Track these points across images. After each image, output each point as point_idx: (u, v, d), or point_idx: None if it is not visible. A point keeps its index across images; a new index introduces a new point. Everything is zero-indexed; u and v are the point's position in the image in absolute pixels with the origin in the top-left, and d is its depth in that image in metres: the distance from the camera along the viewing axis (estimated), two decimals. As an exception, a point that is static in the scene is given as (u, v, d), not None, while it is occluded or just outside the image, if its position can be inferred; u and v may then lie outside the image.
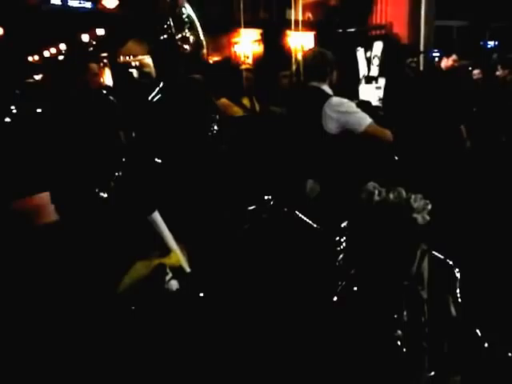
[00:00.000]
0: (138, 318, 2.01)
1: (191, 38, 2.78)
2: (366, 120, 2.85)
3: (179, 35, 2.74)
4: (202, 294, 2.12)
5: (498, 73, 5.46)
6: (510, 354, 2.31)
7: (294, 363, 2.12)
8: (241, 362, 2.11)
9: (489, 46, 9.86)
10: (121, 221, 2.37)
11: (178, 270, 2.13)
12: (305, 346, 2.15)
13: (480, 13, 8.94)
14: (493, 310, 2.49)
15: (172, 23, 2.71)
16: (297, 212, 2.49)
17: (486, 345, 2.27)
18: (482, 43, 9.75)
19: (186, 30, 2.77)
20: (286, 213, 2.52)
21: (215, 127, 2.93)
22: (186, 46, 2.78)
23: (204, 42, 2.83)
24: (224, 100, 4.49)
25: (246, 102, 4.80)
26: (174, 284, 2.06)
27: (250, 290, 2.27)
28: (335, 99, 2.91)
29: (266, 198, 2.56)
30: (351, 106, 2.91)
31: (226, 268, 2.32)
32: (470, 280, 2.37)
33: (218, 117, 2.99)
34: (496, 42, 9.94)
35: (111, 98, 3.87)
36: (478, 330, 2.30)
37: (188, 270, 2.18)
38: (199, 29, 2.83)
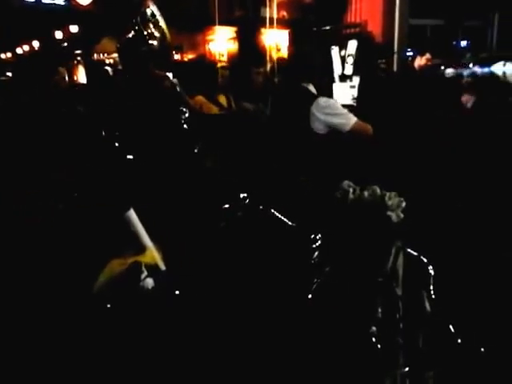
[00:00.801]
0: (114, 316, 1.98)
1: (158, 35, 2.77)
2: (352, 119, 2.93)
3: (146, 32, 2.73)
4: (177, 292, 2.10)
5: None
6: (482, 350, 2.34)
7: (269, 360, 2.12)
8: (216, 360, 2.10)
9: (461, 46, 10.01)
10: (95, 219, 2.34)
11: (153, 268, 2.11)
12: (280, 343, 2.15)
13: (453, 12, 9.06)
14: (466, 306, 2.53)
15: (139, 21, 2.69)
16: (272, 210, 2.48)
17: (460, 340, 2.30)
18: (454, 42, 9.88)
19: (152, 28, 2.76)
20: (262, 211, 2.52)
21: (186, 124, 2.92)
22: (153, 43, 2.77)
23: (169, 39, 2.82)
24: (200, 97, 4.47)
25: (222, 99, 4.79)
26: (149, 282, 2.04)
27: (225, 287, 2.26)
28: (323, 100, 2.97)
29: (241, 196, 2.55)
30: (338, 106, 3.00)
31: (202, 266, 2.31)
32: (444, 276, 2.39)
33: (188, 114, 2.98)
34: (468, 42, 10.10)
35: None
36: (451, 326, 2.32)
37: (163, 268, 2.16)
38: (164, 26, 2.81)
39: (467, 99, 5.34)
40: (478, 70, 5.75)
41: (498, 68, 6.49)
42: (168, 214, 2.52)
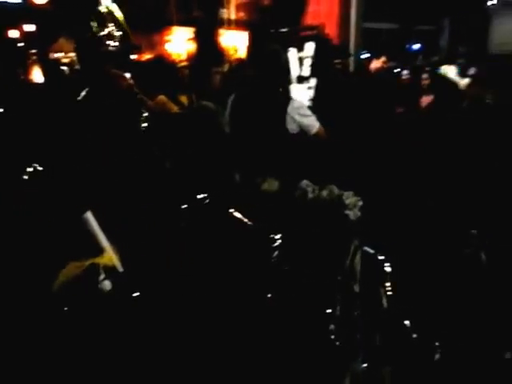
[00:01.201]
0: (72, 318, 1.95)
1: (116, 35, 2.73)
2: (317, 123, 3.02)
3: (103, 32, 2.69)
4: (135, 294, 2.08)
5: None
6: (437, 344, 2.40)
7: (229, 359, 2.12)
8: (175, 360, 2.09)
9: (414, 49, 10.27)
10: (53, 220, 2.29)
11: (111, 270, 2.08)
12: (240, 341, 2.16)
13: (407, 16, 9.29)
14: (421, 302, 2.59)
15: (94, 20, 2.65)
16: (232, 210, 2.49)
17: (415, 335, 2.36)
18: (407, 46, 10.14)
19: (111, 27, 2.71)
20: (221, 211, 2.52)
21: (144, 124, 2.89)
22: (111, 43, 2.73)
23: (129, 39, 2.79)
24: (161, 97, 4.43)
25: (183, 98, 4.76)
26: (107, 284, 2.01)
27: (185, 287, 2.25)
28: (297, 101, 3.06)
29: (200, 196, 2.55)
30: (308, 109, 3.08)
31: (161, 267, 2.29)
32: (400, 273, 2.45)
33: (146, 114, 2.96)
34: (421, 45, 10.37)
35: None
36: (407, 322, 2.38)
37: (121, 269, 2.13)
38: (124, 25, 2.78)
39: (424, 100, 5.51)
40: (432, 72, 5.94)
41: (449, 70, 6.74)
42: (126, 215, 2.50)
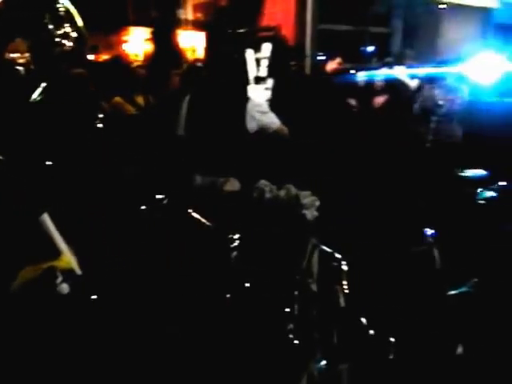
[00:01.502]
0: (29, 322, 1.90)
1: (72, 34, 2.67)
2: (277, 120, 3.03)
3: (58, 31, 2.62)
4: (94, 297, 2.05)
5: None
6: (392, 340, 2.45)
7: (189, 360, 2.12)
8: (134, 362, 2.07)
9: (368, 51, 10.44)
10: (9, 223, 2.23)
11: (68, 273, 2.04)
12: (199, 342, 2.15)
13: (361, 19, 9.44)
14: (377, 299, 2.64)
15: (49, 19, 2.58)
16: (190, 210, 2.48)
17: (372, 332, 2.40)
18: (362, 48, 10.30)
19: (66, 26, 2.65)
20: (180, 212, 2.50)
21: (99, 125, 2.85)
22: (67, 43, 2.66)
23: (86, 39, 2.73)
24: (117, 99, 4.36)
25: (139, 99, 4.70)
26: (64, 287, 1.97)
27: (143, 290, 2.23)
28: (256, 100, 3.05)
29: (158, 197, 2.53)
30: (266, 107, 3.08)
31: (120, 269, 2.27)
32: (357, 272, 2.49)
33: (101, 115, 2.91)
34: (375, 48, 10.55)
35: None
36: (363, 319, 2.42)
37: (79, 272, 2.09)
38: (80, 25, 2.72)
39: (377, 100, 5.65)
40: (385, 73, 6.08)
41: (402, 72, 6.92)
42: (84, 217, 2.46)
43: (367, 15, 9.56)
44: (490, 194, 2.97)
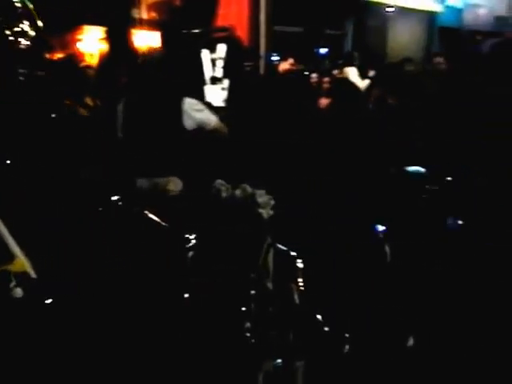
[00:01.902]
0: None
1: (30, 33, 2.60)
2: (214, 117, 3.03)
3: (16, 29, 2.56)
4: (48, 301, 2.02)
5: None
6: (347, 335, 2.51)
7: (143, 357, 2.11)
8: (94, 364, 2.05)
9: (322, 53, 10.60)
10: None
11: (22, 277, 2.00)
12: (157, 342, 2.15)
13: (314, 21, 9.57)
14: (331, 296, 2.69)
15: (6, 17, 2.52)
16: (146, 211, 2.46)
17: (326, 329, 2.44)
18: (316, 50, 10.44)
19: (23, 25, 2.58)
20: (135, 213, 2.49)
21: (55, 127, 2.80)
22: (23, 41, 2.60)
23: (45, 37, 2.67)
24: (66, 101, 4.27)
25: (89, 101, 4.62)
26: (18, 291, 1.94)
27: (99, 291, 2.21)
28: (190, 99, 3.02)
29: (113, 198, 2.51)
30: (202, 105, 3.07)
31: (75, 271, 2.24)
32: (312, 269, 2.53)
33: (56, 115, 2.86)
34: (327, 49, 10.72)
35: None
36: (319, 316, 2.47)
37: (34, 275, 2.05)
38: (38, 24, 2.65)
39: (323, 101, 5.77)
40: (333, 74, 6.22)
41: (350, 72, 7.08)
42: (38, 220, 2.42)
43: (320, 17, 9.70)
44: (434, 188, 3.09)
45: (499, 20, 14.70)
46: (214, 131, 3.02)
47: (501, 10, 15.00)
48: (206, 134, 2.99)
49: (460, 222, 2.93)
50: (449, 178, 3.05)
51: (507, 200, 2.86)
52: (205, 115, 3.03)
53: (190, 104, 2.96)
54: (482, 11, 13.94)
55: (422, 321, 2.72)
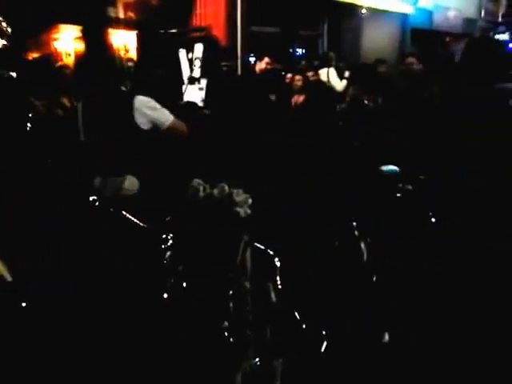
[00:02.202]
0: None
1: (7, 32, 2.56)
2: (170, 117, 2.99)
3: None
4: (24, 304, 2.00)
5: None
6: (324, 333, 2.54)
7: (122, 359, 2.10)
8: (66, 366, 2.04)
9: (298, 53, 10.66)
10: None
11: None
12: (134, 342, 2.14)
13: (289, 21, 9.61)
14: (308, 294, 2.72)
15: None
16: (122, 211, 2.46)
17: (304, 327, 2.47)
18: (291, 50, 10.50)
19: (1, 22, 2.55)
20: (112, 213, 2.48)
21: (29, 126, 2.77)
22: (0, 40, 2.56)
23: (20, 36, 2.64)
24: (42, 102, 4.21)
25: (65, 101, 4.58)
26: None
27: (76, 294, 2.19)
28: (142, 96, 2.98)
29: (91, 198, 2.50)
30: (156, 103, 3.02)
31: (51, 274, 2.22)
32: (290, 267, 2.55)
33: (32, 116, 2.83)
34: (303, 50, 10.79)
35: None
36: (296, 314, 2.49)
37: (9, 278, 2.03)
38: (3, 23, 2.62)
39: (296, 99, 5.85)
40: (305, 72, 6.30)
41: (330, 72, 7.16)
42: (14, 222, 2.39)
43: (296, 18, 9.76)
44: (407, 187, 3.14)
45: (468, 22, 15.02)
46: (170, 130, 2.98)
47: (470, 12, 15.33)
48: (161, 133, 2.96)
49: (433, 220, 2.98)
50: (422, 177, 3.09)
51: (487, 199, 2.89)
52: (158, 114, 2.97)
53: (141, 102, 2.92)
54: (451, 13, 14.22)
55: (398, 317, 2.76)
